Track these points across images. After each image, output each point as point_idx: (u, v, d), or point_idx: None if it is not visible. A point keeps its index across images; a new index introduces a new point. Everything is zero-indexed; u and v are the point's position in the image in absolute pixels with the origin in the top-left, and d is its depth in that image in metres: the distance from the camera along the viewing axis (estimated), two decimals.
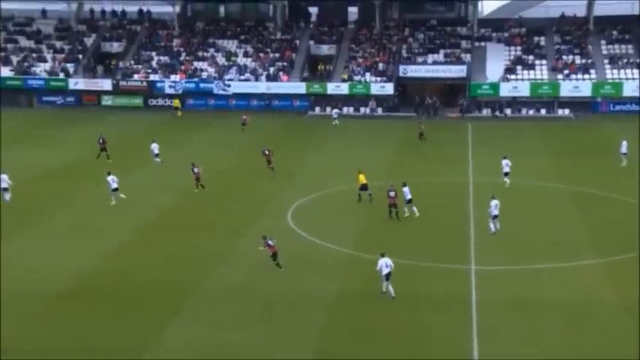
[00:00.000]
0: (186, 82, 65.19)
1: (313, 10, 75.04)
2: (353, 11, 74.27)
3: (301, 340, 21.41)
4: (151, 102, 65.07)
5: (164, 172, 40.85)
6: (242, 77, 65.98)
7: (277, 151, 47.79)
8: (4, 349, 20.46)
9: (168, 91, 64.85)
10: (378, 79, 64.83)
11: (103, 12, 74.04)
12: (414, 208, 32.36)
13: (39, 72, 66.63)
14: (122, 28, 72.22)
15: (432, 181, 39.15)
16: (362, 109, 63.79)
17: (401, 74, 64.29)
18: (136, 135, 52.58)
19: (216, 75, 66.08)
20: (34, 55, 68.77)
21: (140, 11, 74.14)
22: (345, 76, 65.17)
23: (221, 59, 68.18)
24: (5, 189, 34.87)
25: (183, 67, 66.97)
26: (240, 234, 30.62)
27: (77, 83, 65.42)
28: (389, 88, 63.92)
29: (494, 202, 30.00)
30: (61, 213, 33.31)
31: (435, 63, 64.99)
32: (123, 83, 65.31)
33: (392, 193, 32.00)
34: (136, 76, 66.13)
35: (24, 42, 70.49)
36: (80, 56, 68.63)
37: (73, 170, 41.64)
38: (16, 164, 40.41)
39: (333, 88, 64.44)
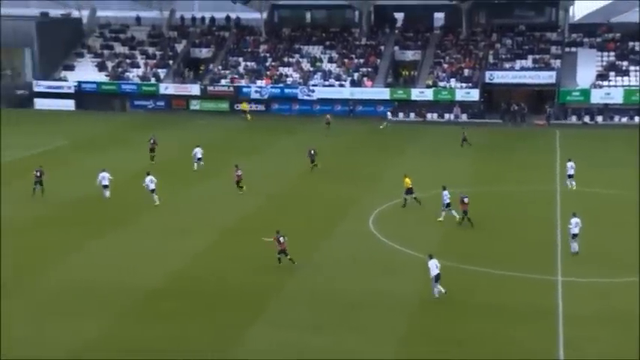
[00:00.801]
0: (271, 87, 66.24)
1: (399, 16, 74.81)
2: (439, 17, 73.65)
3: (382, 347, 21.37)
4: (237, 107, 66.31)
5: (248, 175, 41.59)
6: (326, 83, 66.47)
7: (360, 156, 47.92)
8: (94, 347, 21.27)
9: (254, 96, 66.05)
10: (464, 85, 63.98)
11: (194, 19, 76.18)
12: (453, 212, 32.30)
13: (132, 77, 69.17)
14: (211, 35, 74.08)
15: (517, 190, 38.35)
16: (446, 116, 63.12)
17: (487, 80, 63.25)
18: (222, 139, 53.70)
19: (300, 80, 66.83)
20: (127, 60, 71.43)
21: (228, 18, 75.88)
22: (430, 82, 64.64)
23: (306, 65, 68.92)
24: (106, 186, 36.80)
25: (268, 73, 68.07)
26: (322, 237, 30.84)
27: (167, 88, 67.48)
28: (474, 94, 63.00)
29: (575, 220, 28.61)
30: (149, 214, 34.43)
31: (522, 69, 63.59)
32: (210, 88, 66.92)
33: (465, 199, 31.97)
34: (223, 81, 67.69)
35: (119, 48, 73.34)
36: (170, 62, 70.82)
37: (161, 172, 42.93)
38: (110, 166, 42.10)
39: (417, 94, 64.04)
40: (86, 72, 70.18)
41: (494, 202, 36.27)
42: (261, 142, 52.55)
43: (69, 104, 67.51)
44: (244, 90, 66.28)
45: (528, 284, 25.71)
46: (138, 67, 70.53)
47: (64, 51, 71.77)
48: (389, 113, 59.18)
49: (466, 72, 65.14)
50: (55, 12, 76.98)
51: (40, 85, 68.20)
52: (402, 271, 27.17)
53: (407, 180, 35.20)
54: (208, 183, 40.46)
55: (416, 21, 72.91)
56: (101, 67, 70.48)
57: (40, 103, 67.74)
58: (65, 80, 68.92)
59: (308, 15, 76.94)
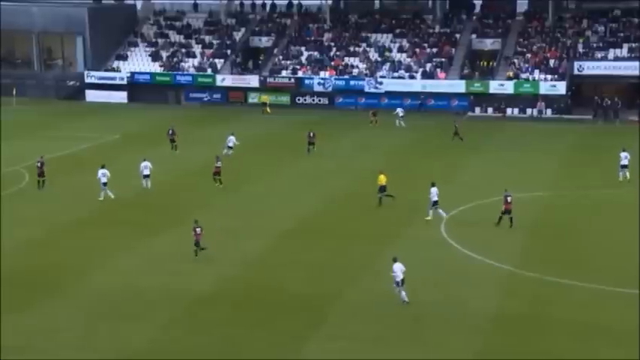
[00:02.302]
0: (335, 79, 66.21)
1: (477, 2, 73.75)
2: (522, 2, 72.22)
3: None
4: (299, 100, 66.60)
5: (306, 174, 41.63)
6: (395, 74, 66.04)
7: (431, 156, 47.33)
8: (141, 354, 21.59)
9: (316, 88, 66.17)
10: (549, 77, 62.55)
11: (253, 5, 76.77)
12: (440, 211, 32.89)
13: (187, 68, 70.21)
14: (272, 22, 74.59)
15: (603, 193, 37.23)
16: (528, 111, 61.85)
17: (575, 72, 61.68)
18: (282, 134, 53.97)
19: (367, 72, 66.61)
20: (183, 50, 72.54)
21: (290, 4, 76.26)
22: (511, 74, 63.44)
23: (374, 55, 68.64)
24: (147, 176, 38.12)
25: (333, 63, 68.10)
26: (387, 243, 30.58)
27: (224, 79, 68.23)
28: (560, 88, 61.49)
29: None
30: (201, 214, 34.78)
31: (616, 59, 61.77)
32: (270, 80, 67.36)
33: (509, 199, 32.00)
34: (284, 73, 68.04)
35: (174, 37, 74.57)
36: (228, 51, 71.60)
37: (209, 172, 43.36)
38: (161, 162, 42.87)
39: (496, 86, 62.96)
40: (139, 62, 71.67)
41: (578, 207, 35.34)
42: (324, 138, 52.51)
43: (121, 96, 69.01)
44: (306, 82, 66.47)
45: (613, 298, 24.91)
46: (194, 56, 71.59)
47: (116, 40, 73.32)
48: (399, 110, 58.15)
49: (552, 63, 63.68)
50: None
51: (91, 76, 69.93)
52: (477, 281, 26.67)
53: (381, 176, 35.77)
54: (265, 182, 40.65)
55: (496, 7, 71.71)
56: (155, 56, 71.81)
57: (91, 95, 69.44)
58: (118, 71, 70.50)
59: (377, 1, 76.64)
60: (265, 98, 64.23)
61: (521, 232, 31.75)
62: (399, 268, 24.43)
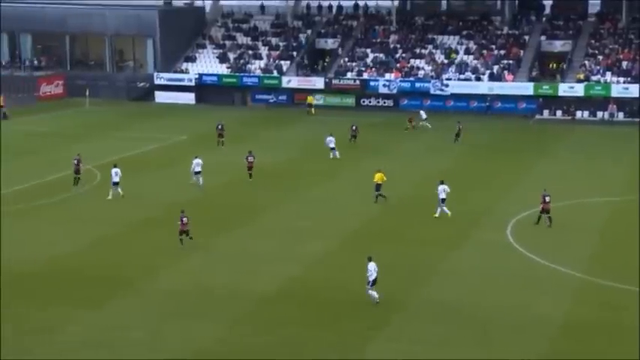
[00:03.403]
0: (401, 80, 66.02)
1: (547, 2, 72.49)
2: (594, 3, 70.65)
3: None
4: (364, 102, 66.67)
5: (369, 176, 41.68)
6: (462, 76, 65.46)
7: (497, 159, 46.84)
8: (208, 353, 21.97)
9: (381, 90, 66.10)
10: (621, 79, 61.03)
11: (320, 7, 77.18)
12: (445, 209, 33.61)
13: (254, 69, 71.05)
14: (337, 24, 74.85)
15: None
16: (599, 114, 60.48)
17: None
18: (346, 136, 54.16)
19: (433, 74, 66.21)
20: (249, 52, 73.48)
21: (356, 6, 76.38)
22: (581, 76, 62.14)
23: (440, 57, 68.18)
24: (198, 172, 39.13)
25: (398, 65, 67.92)
26: (453, 247, 30.43)
27: (290, 81, 68.78)
28: (634, 90, 59.93)
29: None
30: (267, 215, 35.21)
31: None
32: (335, 81, 67.60)
33: (547, 198, 32.24)
34: (349, 74, 68.19)
35: (241, 38, 75.60)
36: (294, 53, 72.18)
37: (280, 171, 43.81)
38: (226, 163, 43.54)
39: (566, 89, 61.79)
40: (207, 64, 72.88)
41: None
42: (388, 140, 52.48)
43: (189, 97, 70.26)
44: (371, 84, 66.48)
45: None
46: (260, 58, 72.39)
47: (185, 42, 74.71)
48: (422, 112, 57.91)
49: (624, 65, 62.10)
50: (178, 1, 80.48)
51: (160, 78, 71.38)
52: (544, 286, 26.28)
53: (378, 175, 36.33)
54: (330, 183, 40.84)
55: (567, 7, 70.35)
56: (222, 58, 72.90)
57: (160, 96, 70.92)
58: (186, 72, 71.83)
59: (444, 2, 76.09)
60: (310, 99, 64.83)
61: (590, 238, 31.13)
62: (372, 268, 24.72)
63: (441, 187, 33.97)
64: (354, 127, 50.93)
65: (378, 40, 71.51)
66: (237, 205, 36.62)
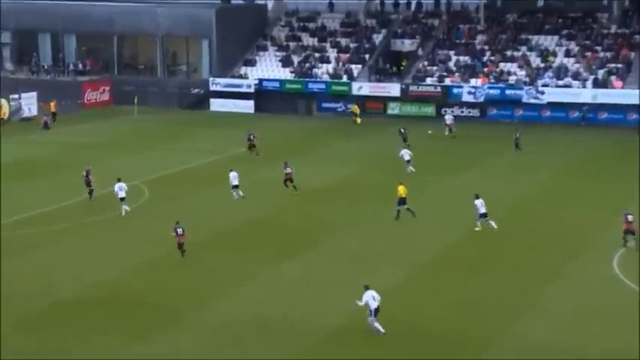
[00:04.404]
0: (489, 87, 65.53)
1: None
2: None
3: None
4: (445, 111, 66.34)
5: (455, 196, 41.38)
6: (560, 82, 64.59)
7: (601, 178, 45.93)
8: None
9: (465, 98, 65.71)
10: None
11: (396, 4, 77.36)
12: (492, 222, 35.51)
13: (320, 74, 71.57)
14: (417, 23, 74.87)
15: None
16: None
17: None
18: (425, 150, 54.05)
19: (527, 79, 65.53)
20: (316, 54, 74.05)
21: (438, 2, 76.28)
22: None
23: (535, 60, 67.47)
24: (236, 186, 41.18)
25: (486, 70, 67.48)
26: (548, 278, 30.07)
27: (361, 88, 69.00)
28: None
29: None
30: (330, 238, 35.30)
31: None
32: (413, 88, 67.56)
33: (630, 217, 33.03)
34: (429, 80, 68.05)
35: (307, 39, 76.27)
36: (367, 56, 72.46)
37: (349, 187, 43.91)
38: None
39: None
40: (269, 68, 73.81)
41: None
42: (475, 155, 52.04)
43: (248, 105, 71.22)
44: (454, 91, 66.22)
45: None
46: (328, 62, 72.93)
47: (245, 43, 75.74)
48: (448, 116, 60.66)
49: None
50: None
51: (216, 83, 72.57)
52: None
53: (400, 187, 37.58)
54: (407, 203, 40.80)
55: None
56: (286, 62, 73.70)
57: (215, 104, 72.08)
58: (245, 77, 72.79)
59: None
60: (355, 108, 65.34)
61: None
62: (370, 296, 25.39)
63: (478, 202, 35.73)
64: (402, 130, 53.75)
65: (463, 41, 71.22)
66: (297, 228, 36.91)
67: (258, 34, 77.28)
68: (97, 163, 50.07)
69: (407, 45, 73.07)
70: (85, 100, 72.40)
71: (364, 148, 55.40)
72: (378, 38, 74.21)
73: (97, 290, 29.28)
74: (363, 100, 68.40)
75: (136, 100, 69.21)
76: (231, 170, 41.75)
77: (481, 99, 65.38)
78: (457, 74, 67.93)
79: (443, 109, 65.52)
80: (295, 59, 73.76)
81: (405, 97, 67.44)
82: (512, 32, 70.99)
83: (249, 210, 39.51)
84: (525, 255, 32.85)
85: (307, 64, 72.75)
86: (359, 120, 64.34)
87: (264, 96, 71.02)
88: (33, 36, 78.49)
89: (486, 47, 70.14)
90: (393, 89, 68.06)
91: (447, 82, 67.29)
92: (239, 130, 62.30)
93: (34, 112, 67.11)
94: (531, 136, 56.34)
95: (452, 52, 70.42)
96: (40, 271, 31.35)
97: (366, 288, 25.70)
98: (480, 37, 71.30)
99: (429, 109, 66.71)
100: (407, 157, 46.83)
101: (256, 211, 39.31)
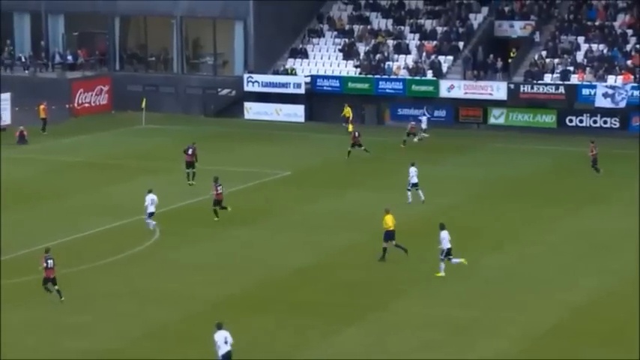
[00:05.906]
0: (633, 87, 64.77)
1: None
2: None
3: None
4: (571, 120, 65.84)
5: (584, 239, 41.00)
6: None
7: None
8: None
9: (600, 103, 64.90)
10: None
11: None
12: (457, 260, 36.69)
13: (396, 69, 71.35)
14: None
15: None
16: None
17: None
18: (544, 175, 53.59)
19: None
20: (390, 42, 73.96)
21: None
22: None
23: None
24: (152, 213, 42.41)
25: (630, 63, 66.79)
26: None
27: (452, 88, 68.76)
28: None
29: None
30: (398, 301, 35.31)
31: None
32: (525, 89, 67.17)
33: None
34: (547, 78, 67.56)
35: (377, 22, 76.27)
36: (460, 44, 72.20)
37: (433, 225, 43.77)
38: (347, 215, 44.19)
39: None
40: (325, 61, 73.97)
41: None
42: (603, 183, 51.39)
43: (296, 112, 71.57)
44: (584, 92, 65.87)
45: None
46: (406, 52, 72.88)
47: (293, 28, 75.96)
48: (423, 118, 64.20)
49: None
50: None
51: (254, 82, 72.68)
52: None
53: (387, 217, 38.48)
54: (514, 248, 40.85)
55: None
56: (348, 52, 73.78)
57: (252, 110, 72.35)
58: (293, 74, 72.85)
59: None
60: (347, 112, 66.36)
61: None
62: (222, 337, 26.85)
63: (443, 234, 36.75)
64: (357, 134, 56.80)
65: (597, 24, 70.69)
66: (359, 283, 37.03)
67: (311, 16, 77.63)
68: (89, 191, 50.53)
69: (517, 29, 72.89)
70: (76, 105, 73.22)
71: (458, 171, 55.02)
72: (476, 20, 74.11)
73: None
74: (454, 105, 68.12)
75: (144, 105, 69.56)
76: (148, 192, 42.66)
77: (622, 104, 64.72)
78: (588, 69, 67.37)
79: (567, 118, 65.10)
80: (362, 49, 73.88)
81: (514, 101, 67.36)
82: None
83: (301, 255, 39.64)
84: None
85: (378, 56, 72.76)
86: (351, 127, 63.45)
87: (319, 99, 71.51)
88: (7, 18, 79.08)
89: (630, 32, 69.49)
90: (498, 90, 67.90)
91: (574, 80, 66.92)
92: (284, 146, 62.50)
93: (8, 120, 67.67)
94: None
95: (581, 39, 69.93)
96: None
97: (218, 327, 27.17)
98: (621, 18, 70.71)
99: (548, 118, 66.51)
100: (414, 180, 47.00)
101: (309, 257, 39.41)
